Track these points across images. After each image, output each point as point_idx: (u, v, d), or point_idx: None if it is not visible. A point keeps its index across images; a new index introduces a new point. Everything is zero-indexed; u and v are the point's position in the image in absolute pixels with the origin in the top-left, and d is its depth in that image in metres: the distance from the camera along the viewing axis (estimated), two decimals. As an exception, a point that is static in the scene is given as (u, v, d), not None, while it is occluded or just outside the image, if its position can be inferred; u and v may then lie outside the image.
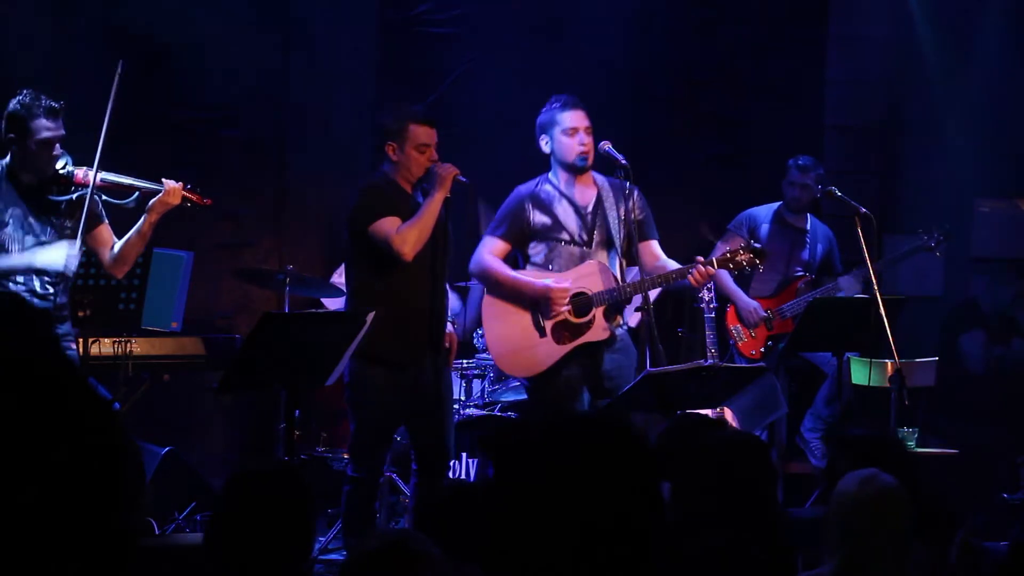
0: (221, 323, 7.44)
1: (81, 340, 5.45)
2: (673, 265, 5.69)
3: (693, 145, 8.50)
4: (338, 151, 7.84)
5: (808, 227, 7.37)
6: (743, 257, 5.55)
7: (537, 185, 5.72)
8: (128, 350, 6.14)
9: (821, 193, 7.02)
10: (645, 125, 8.19)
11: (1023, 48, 8.57)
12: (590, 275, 5.62)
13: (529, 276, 5.64)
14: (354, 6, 7.99)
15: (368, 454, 5.40)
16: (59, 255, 5.04)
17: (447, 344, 5.53)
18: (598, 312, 5.57)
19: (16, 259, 5.04)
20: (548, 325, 5.58)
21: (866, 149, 8.74)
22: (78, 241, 5.07)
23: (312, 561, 4.03)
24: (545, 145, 5.68)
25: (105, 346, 6.04)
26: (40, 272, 5.07)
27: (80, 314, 5.36)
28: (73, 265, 5.06)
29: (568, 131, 5.62)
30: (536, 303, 5.58)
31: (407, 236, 5.24)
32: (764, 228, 7.31)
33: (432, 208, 5.29)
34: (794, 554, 3.29)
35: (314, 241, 7.87)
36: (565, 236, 5.64)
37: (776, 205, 7.37)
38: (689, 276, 5.49)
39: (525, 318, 5.61)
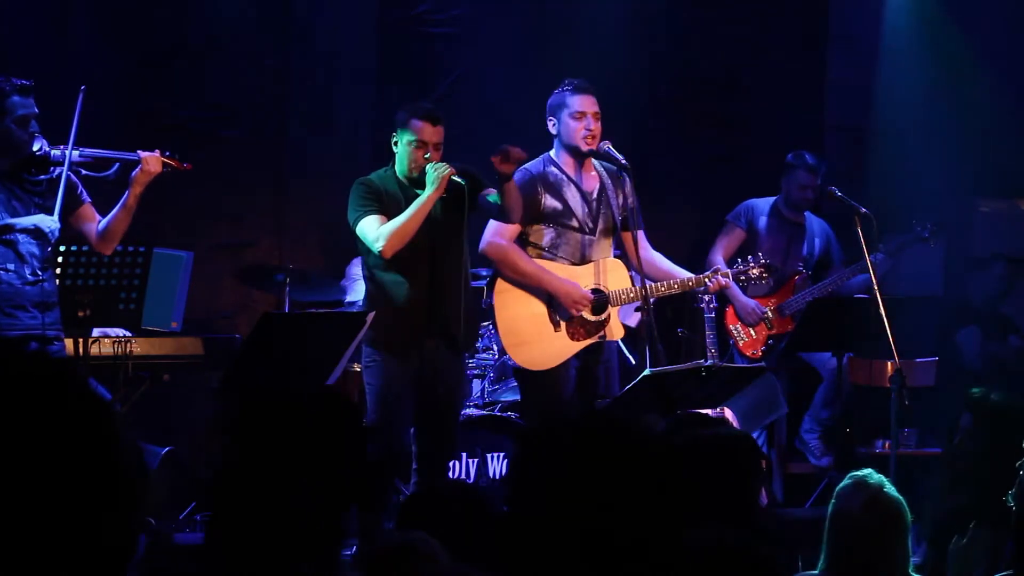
0: (221, 323, 7.44)
1: (81, 340, 5.46)
2: (666, 262, 5.78)
3: (693, 145, 8.50)
4: (338, 151, 7.84)
5: (805, 222, 7.35)
6: (755, 271, 5.69)
7: (544, 166, 5.72)
8: (128, 350, 6.14)
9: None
10: (645, 125, 8.19)
11: (1022, 47, 8.57)
12: (608, 272, 5.65)
13: (552, 270, 5.62)
14: (354, 6, 7.98)
15: (385, 427, 5.37)
16: (35, 218, 5.10)
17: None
18: (614, 311, 5.61)
19: None
20: (564, 321, 5.63)
21: (866, 149, 8.73)
22: (56, 213, 5.10)
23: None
24: (552, 127, 5.73)
25: (105, 346, 6.04)
26: (33, 235, 5.08)
27: (80, 314, 5.36)
28: (47, 227, 5.06)
29: (575, 114, 5.65)
30: (553, 298, 5.59)
31: (386, 235, 5.29)
32: (763, 221, 7.28)
33: (421, 208, 5.31)
34: (784, 554, 3.29)
35: (314, 241, 7.87)
36: (574, 223, 5.67)
37: (773, 199, 7.35)
38: (709, 284, 5.59)
39: (540, 309, 5.63)
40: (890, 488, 3.07)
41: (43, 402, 1.37)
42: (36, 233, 5.09)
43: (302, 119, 7.89)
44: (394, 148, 5.49)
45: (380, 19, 8.09)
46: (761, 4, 8.65)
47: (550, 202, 5.66)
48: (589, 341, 5.61)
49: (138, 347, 6.23)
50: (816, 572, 3.09)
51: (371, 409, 5.43)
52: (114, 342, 6.10)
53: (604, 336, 5.63)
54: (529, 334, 5.62)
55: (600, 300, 5.61)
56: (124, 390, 6.07)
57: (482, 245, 5.66)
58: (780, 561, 3.13)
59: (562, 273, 5.63)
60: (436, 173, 5.33)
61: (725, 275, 5.61)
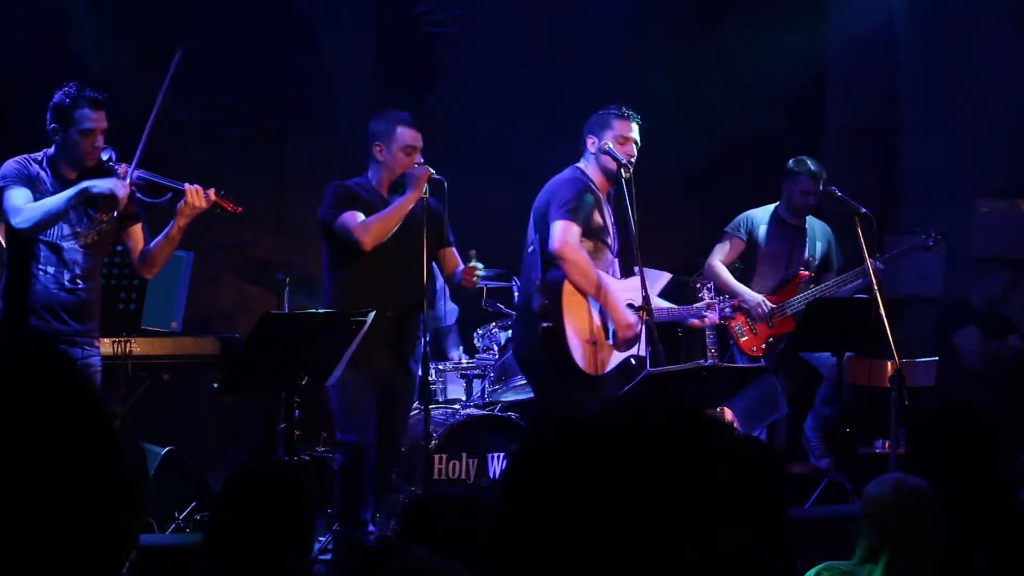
0: (221, 323, 7.44)
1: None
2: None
3: (693, 145, 8.50)
4: (338, 151, 7.85)
5: (807, 226, 7.35)
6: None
7: (585, 178, 5.80)
8: (128, 350, 6.14)
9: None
10: (645, 125, 8.18)
11: (1023, 48, 8.57)
12: (636, 289, 5.68)
13: (614, 290, 5.74)
14: (354, 6, 7.99)
15: (351, 416, 5.56)
16: (109, 181, 5.05)
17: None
18: (642, 327, 5.73)
19: (69, 190, 5.02)
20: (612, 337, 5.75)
21: (866, 149, 8.74)
22: (128, 178, 5.07)
23: (312, 561, 4.03)
24: (592, 144, 5.80)
25: (105, 346, 6.04)
26: (105, 200, 5.05)
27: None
28: (121, 192, 5.02)
29: (620, 139, 5.77)
30: (608, 315, 5.70)
31: (369, 227, 5.47)
32: (763, 229, 7.27)
33: (401, 206, 5.50)
34: (783, 554, 3.29)
35: (314, 241, 7.86)
36: (609, 240, 5.82)
37: (773, 206, 7.34)
38: (697, 319, 5.95)
39: (600, 317, 5.73)
40: (912, 476, 3.15)
41: (36, 399, 1.37)
42: (110, 199, 5.03)
43: (302, 119, 7.90)
44: (378, 156, 5.63)
45: (380, 19, 8.10)
46: (761, 4, 8.66)
47: (597, 216, 5.77)
48: (629, 352, 5.76)
49: (138, 347, 6.24)
50: (849, 563, 3.12)
51: (336, 396, 5.58)
52: (114, 342, 6.11)
53: (639, 351, 5.75)
54: (594, 336, 5.71)
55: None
56: (124, 390, 6.07)
57: (555, 245, 5.63)
58: (779, 562, 3.13)
59: (610, 285, 5.75)
60: (416, 174, 5.51)
61: (710, 307, 5.91)
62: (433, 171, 5.53)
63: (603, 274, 5.75)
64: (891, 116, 8.82)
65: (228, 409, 7.57)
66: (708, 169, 8.49)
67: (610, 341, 5.70)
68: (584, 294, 5.69)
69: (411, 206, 5.50)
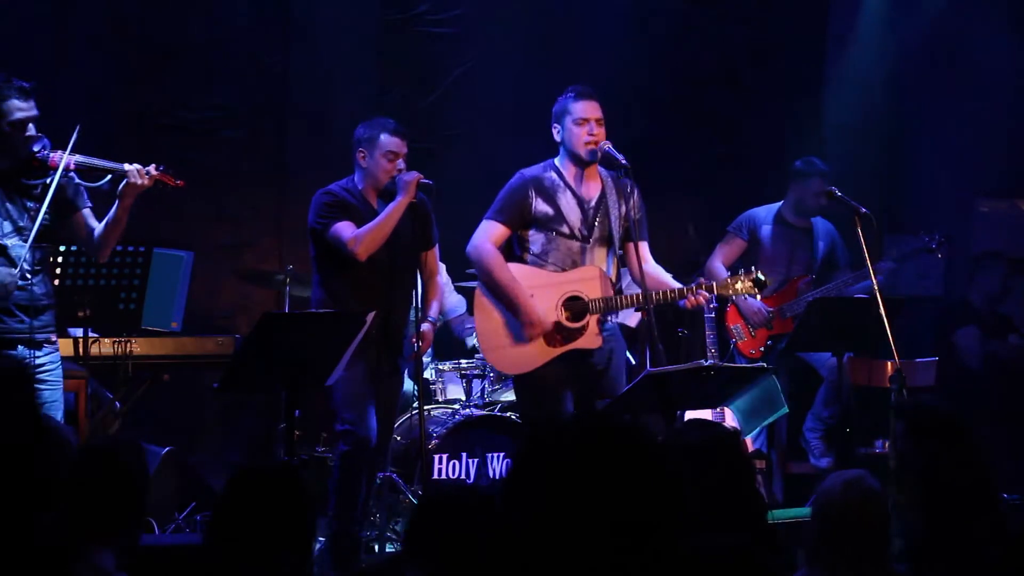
0: (221, 323, 7.44)
1: (81, 340, 5.45)
2: (665, 274, 5.70)
3: (693, 145, 8.50)
4: (338, 151, 7.84)
5: (812, 227, 7.33)
6: (742, 285, 5.57)
7: (543, 171, 5.68)
8: (128, 350, 6.14)
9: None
10: (646, 125, 8.19)
11: (1023, 48, 8.57)
12: (589, 280, 5.58)
13: (538, 276, 5.58)
14: (354, 6, 7.99)
15: (352, 405, 5.61)
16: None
17: (416, 340, 5.67)
18: (592, 319, 5.55)
19: None
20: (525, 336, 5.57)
21: (866, 149, 8.73)
22: (32, 234, 5.02)
23: (312, 561, 4.02)
24: (556, 133, 5.67)
25: (105, 346, 6.04)
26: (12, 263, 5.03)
27: (80, 314, 5.36)
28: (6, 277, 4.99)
29: (578, 121, 5.58)
30: (517, 313, 5.55)
31: (362, 237, 5.56)
32: (765, 229, 7.26)
33: (393, 213, 5.57)
34: (783, 555, 3.28)
35: (314, 241, 7.87)
36: (565, 229, 5.61)
37: (776, 206, 7.33)
38: (687, 299, 5.50)
39: (515, 316, 5.58)
40: (871, 479, 3.07)
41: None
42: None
43: (302, 119, 7.90)
44: (361, 162, 5.74)
45: (380, 19, 8.10)
46: (761, 4, 8.66)
47: (541, 207, 5.60)
48: (566, 348, 5.55)
49: (138, 347, 6.24)
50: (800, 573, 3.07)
51: (342, 405, 5.64)
52: (114, 342, 6.11)
53: (583, 343, 5.55)
54: (505, 339, 5.59)
55: (579, 307, 5.56)
56: (124, 390, 6.08)
57: (468, 247, 5.66)
58: (779, 562, 3.13)
59: (546, 280, 5.59)
60: (406, 179, 5.58)
61: (709, 287, 5.54)
62: (423, 176, 5.60)
63: (522, 269, 5.58)
64: (891, 116, 8.81)
65: (228, 409, 7.58)
66: (708, 169, 8.49)
67: (522, 340, 5.54)
68: (495, 296, 5.59)
69: (402, 212, 5.56)
